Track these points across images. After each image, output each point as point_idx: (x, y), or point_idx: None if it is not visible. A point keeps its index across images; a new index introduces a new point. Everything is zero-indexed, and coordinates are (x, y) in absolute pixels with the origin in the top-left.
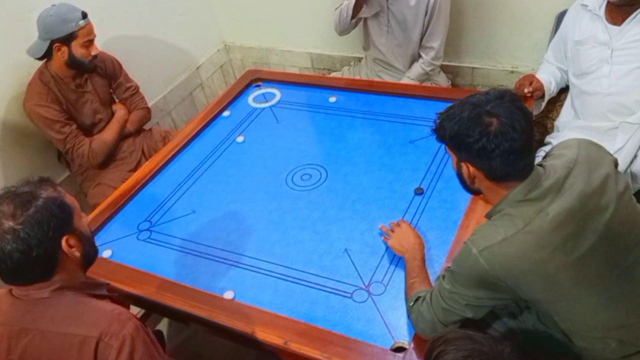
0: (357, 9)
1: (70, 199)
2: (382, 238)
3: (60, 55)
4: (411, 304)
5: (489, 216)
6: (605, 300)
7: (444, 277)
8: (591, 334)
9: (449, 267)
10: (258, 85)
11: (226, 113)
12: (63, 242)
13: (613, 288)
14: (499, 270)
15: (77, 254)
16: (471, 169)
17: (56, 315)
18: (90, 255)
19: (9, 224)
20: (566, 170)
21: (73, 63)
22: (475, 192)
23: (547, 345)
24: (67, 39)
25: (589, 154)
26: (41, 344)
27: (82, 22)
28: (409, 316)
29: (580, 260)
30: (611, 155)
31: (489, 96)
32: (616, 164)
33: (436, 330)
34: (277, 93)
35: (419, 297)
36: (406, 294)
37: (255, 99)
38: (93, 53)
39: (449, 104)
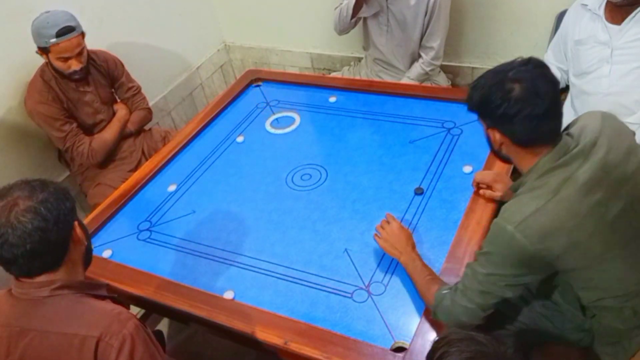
0: (357, 8)
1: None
2: (374, 236)
3: (45, 60)
4: (439, 301)
5: (514, 189)
6: (630, 265)
7: (475, 262)
8: (610, 302)
9: (481, 251)
10: (258, 85)
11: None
12: (75, 225)
13: (637, 253)
14: (537, 242)
15: (84, 244)
16: (497, 135)
17: (56, 315)
18: (89, 252)
19: (27, 203)
20: (593, 138)
21: (56, 71)
22: (506, 160)
23: (554, 328)
24: (44, 50)
25: (613, 124)
26: (41, 344)
27: (53, 40)
28: (435, 316)
29: (610, 226)
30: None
31: (514, 63)
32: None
33: (476, 317)
34: (296, 118)
35: (447, 291)
36: (425, 295)
37: (272, 124)
38: (73, 68)
39: (449, 104)
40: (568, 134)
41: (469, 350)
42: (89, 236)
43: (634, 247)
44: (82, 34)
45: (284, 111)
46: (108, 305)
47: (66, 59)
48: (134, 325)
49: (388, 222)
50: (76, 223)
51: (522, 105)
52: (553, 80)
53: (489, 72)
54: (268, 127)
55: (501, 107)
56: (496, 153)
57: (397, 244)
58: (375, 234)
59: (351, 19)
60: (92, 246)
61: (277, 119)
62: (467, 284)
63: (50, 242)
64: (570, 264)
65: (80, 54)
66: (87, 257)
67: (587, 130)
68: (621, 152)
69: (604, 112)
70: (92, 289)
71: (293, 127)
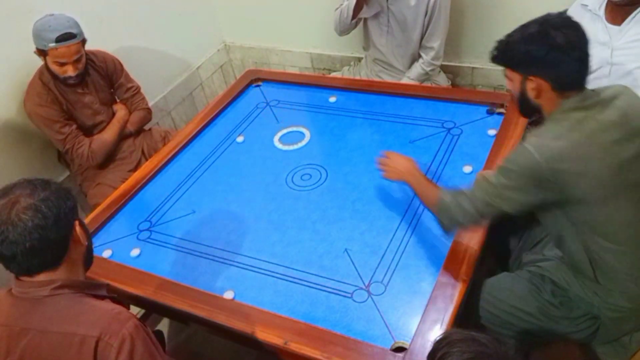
0: (357, 9)
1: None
2: (382, 175)
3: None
4: (441, 199)
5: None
6: (634, 214)
7: (489, 173)
8: (615, 250)
9: (500, 165)
10: (258, 85)
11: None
12: (76, 224)
13: None
14: (553, 163)
15: (85, 242)
16: (539, 82)
17: (56, 315)
18: (90, 252)
19: (28, 201)
20: (614, 93)
21: (50, 73)
22: (532, 112)
23: (560, 319)
24: (42, 52)
25: (631, 93)
26: (41, 343)
27: (52, 45)
28: (436, 213)
29: (624, 165)
30: None
31: (549, 16)
32: None
33: (473, 221)
34: (306, 133)
35: (449, 192)
36: (427, 197)
37: (282, 140)
38: (68, 74)
39: (449, 104)
40: (592, 90)
41: (470, 351)
42: (90, 236)
43: (637, 196)
44: (83, 41)
45: (292, 126)
46: (108, 305)
47: (62, 64)
48: (133, 325)
49: (388, 157)
50: (77, 222)
51: (570, 49)
52: (581, 29)
53: (523, 27)
54: (277, 144)
55: (550, 53)
56: (526, 103)
57: (400, 166)
58: (382, 173)
59: (352, 19)
60: (94, 246)
61: (277, 118)
62: (475, 191)
63: (49, 241)
64: (579, 193)
65: (78, 61)
66: (88, 257)
67: (608, 89)
68: (639, 109)
69: (625, 85)
70: (92, 288)
71: (303, 143)
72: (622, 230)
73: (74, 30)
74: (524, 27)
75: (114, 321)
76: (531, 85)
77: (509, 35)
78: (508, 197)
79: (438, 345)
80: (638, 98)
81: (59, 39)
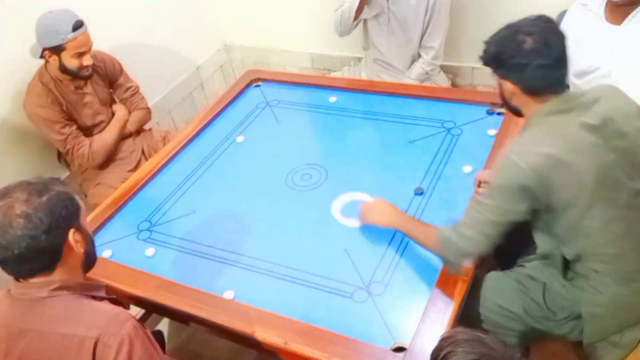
0: (359, 11)
1: (78, 199)
2: (366, 221)
3: (53, 62)
4: (443, 240)
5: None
6: (611, 218)
7: (480, 195)
8: (592, 261)
9: (491, 183)
10: (258, 85)
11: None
12: (70, 233)
13: (618, 210)
14: (538, 169)
15: (81, 249)
16: (509, 85)
17: (54, 316)
18: (91, 256)
19: (22, 208)
20: (596, 96)
21: (65, 71)
22: (516, 112)
23: (549, 315)
24: (56, 49)
25: (617, 93)
26: (39, 344)
27: (70, 35)
28: (443, 258)
29: (603, 168)
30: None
31: (526, 20)
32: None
33: (484, 246)
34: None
35: (446, 229)
36: (426, 242)
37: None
38: (85, 63)
39: (449, 104)
40: (574, 93)
41: (476, 352)
42: (93, 241)
43: (617, 200)
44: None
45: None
46: (106, 306)
47: (81, 54)
48: (132, 325)
49: (366, 202)
50: (72, 231)
51: (534, 55)
52: (561, 33)
53: (503, 27)
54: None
55: (514, 58)
56: (507, 104)
57: (384, 212)
58: (360, 217)
59: (353, 21)
60: (96, 254)
61: (277, 118)
62: (473, 216)
63: (38, 250)
64: (564, 197)
65: (90, 48)
66: (87, 261)
67: (592, 91)
68: (621, 113)
69: (612, 85)
70: (91, 290)
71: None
72: (604, 234)
73: (80, 18)
74: (501, 29)
75: (113, 322)
76: (504, 87)
77: (491, 36)
78: (509, 210)
79: (443, 343)
80: (622, 99)
81: (75, 27)
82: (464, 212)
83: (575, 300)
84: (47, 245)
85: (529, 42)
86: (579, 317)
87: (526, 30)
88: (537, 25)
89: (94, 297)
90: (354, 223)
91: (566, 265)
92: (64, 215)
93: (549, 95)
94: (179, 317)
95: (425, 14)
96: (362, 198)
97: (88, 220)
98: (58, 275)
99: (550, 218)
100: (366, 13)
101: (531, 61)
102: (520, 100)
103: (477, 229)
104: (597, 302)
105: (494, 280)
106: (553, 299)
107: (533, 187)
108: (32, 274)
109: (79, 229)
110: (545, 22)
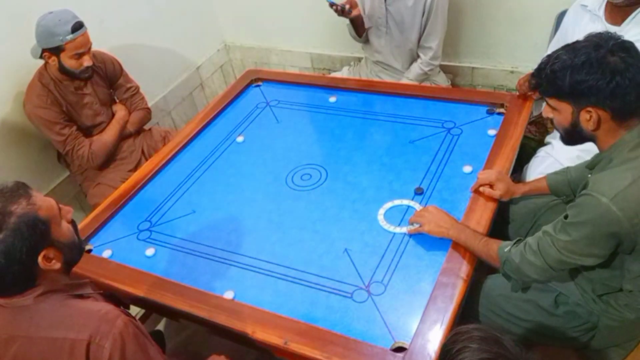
0: (357, 29)
1: (46, 208)
2: (409, 231)
3: (52, 63)
4: (505, 258)
5: (592, 166)
6: None
7: (555, 229)
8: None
9: (568, 220)
10: (258, 85)
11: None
12: (40, 258)
13: None
14: (634, 215)
15: (57, 265)
16: (598, 112)
17: (43, 321)
18: (72, 259)
19: None
20: None
21: (64, 72)
22: (581, 142)
23: (559, 326)
24: (55, 50)
25: None
26: (30, 350)
27: (70, 37)
28: (504, 273)
29: None
30: None
31: (597, 39)
32: None
33: (548, 276)
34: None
35: (510, 248)
36: (487, 257)
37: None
38: (85, 64)
39: (449, 104)
40: None
41: (491, 352)
42: (72, 244)
43: None
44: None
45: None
46: (94, 305)
47: (80, 55)
48: (122, 322)
49: (426, 210)
50: (42, 254)
51: (633, 73)
52: (637, 50)
53: (568, 52)
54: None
55: (613, 81)
56: (570, 136)
57: (442, 221)
58: (413, 228)
59: (359, 36)
60: (82, 247)
61: (277, 118)
62: (543, 246)
63: (7, 284)
64: None
65: (90, 49)
66: (69, 266)
67: None
68: None
69: None
70: (77, 289)
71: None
72: None
73: (80, 19)
74: (570, 51)
75: (103, 322)
76: (587, 117)
77: (553, 62)
78: (588, 253)
79: (457, 336)
80: None
81: (74, 29)
82: (533, 235)
83: (592, 311)
84: (15, 278)
85: (619, 62)
86: (594, 327)
87: (612, 50)
88: (616, 44)
89: (81, 296)
90: (399, 230)
91: (605, 291)
92: (26, 250)
93: (634, 119)
94: (179, 317)
95: (423, 15)
96: (407, 204)
97: (88, 220)
98: (41, 287)
99: (628, 258)
100: (368, 23)
101: (632, 80)
102: (605, 128)
103: (546, 262)
104: (621, 318)
105: (495, 281)
106: (567, 308)
107: (623, 234)
108: (12, 295)
109: (53, 244)
110: (619, 40)
